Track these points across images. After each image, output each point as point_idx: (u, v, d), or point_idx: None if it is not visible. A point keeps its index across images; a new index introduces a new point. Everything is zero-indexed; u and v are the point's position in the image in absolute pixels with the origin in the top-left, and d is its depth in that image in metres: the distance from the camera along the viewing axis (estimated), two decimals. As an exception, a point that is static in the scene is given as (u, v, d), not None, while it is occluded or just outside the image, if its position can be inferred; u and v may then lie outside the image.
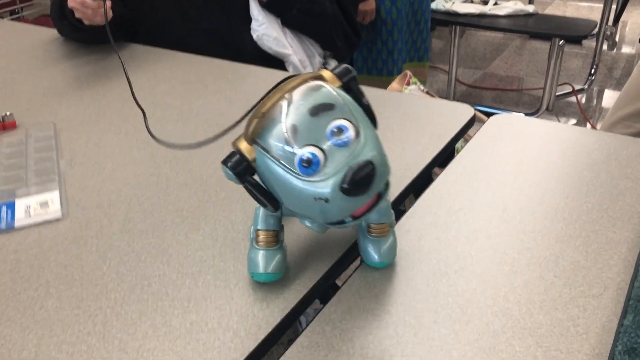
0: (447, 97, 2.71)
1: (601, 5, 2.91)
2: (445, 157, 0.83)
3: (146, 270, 0.60)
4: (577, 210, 0.66)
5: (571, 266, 0.58)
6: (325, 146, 0.46)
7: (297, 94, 0.48)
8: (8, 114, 0.90)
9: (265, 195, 0.50)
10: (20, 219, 0.69)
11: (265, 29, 1.13)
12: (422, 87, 1.50)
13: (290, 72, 1.18)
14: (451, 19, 2.53)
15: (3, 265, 0.62)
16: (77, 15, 1.03)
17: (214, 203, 0.70)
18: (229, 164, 0.49)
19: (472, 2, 2.60)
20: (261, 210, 0.54)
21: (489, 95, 2.93)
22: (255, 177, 0.50)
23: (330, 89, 0.48)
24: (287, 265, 0.58)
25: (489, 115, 0.96)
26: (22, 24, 1.44)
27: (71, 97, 1.00)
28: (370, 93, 0.97)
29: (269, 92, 0.48)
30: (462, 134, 0.86)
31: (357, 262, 0.61)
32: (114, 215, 0.68)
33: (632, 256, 0.58)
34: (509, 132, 0.83)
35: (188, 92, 0.99)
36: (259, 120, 0.47)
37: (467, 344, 0.50)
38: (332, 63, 1.26)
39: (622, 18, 3.67)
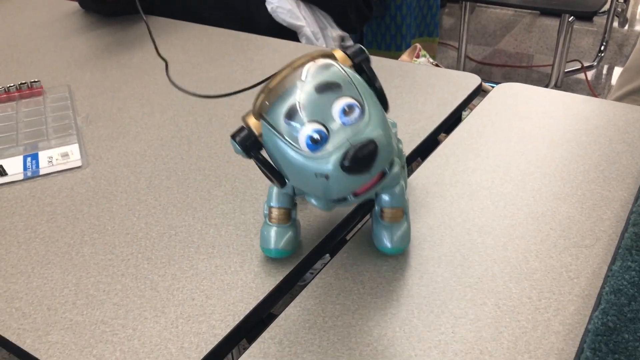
0: (456, 73, 2.73)
1: (612, -18, 2.91)
2: (451, 123, 0.87)
3: (173, 221, 0.65)
4: (574, 171, 0.70)
5: (566, 220, 0.62)
6: (330, 124, 0.46)
7: (305, 70, 0.48)
8: (36, 80, 0.94)
9: (271, 170, 0.51)
10: (44, 167, 0.75)
11: (280, 2, 1.16)
12: (431, 60, 1.53)
13: (303, 43, 1.22)
14: (461, -5, 2.54)
15: (40, 215, 0.67)
16: None
17: (233, 163, 0.74)
18: (237, 139, 0.50)
19: (482, -23, 2.61)
20: (274, 188, 0.56)
21: (499, 72, 2.94)
22: (263, 152, 0.51)
23: (339, 68, 0.48)
24: (300, 240, 0.60)
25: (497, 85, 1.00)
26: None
27: (94, 65, 1.04)
28: (381, 63, 1.01)
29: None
30: (469, 101, 0.90)
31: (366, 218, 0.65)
32: (141, 173, 0.73)
33: (624, 212, 0.63)
34: (513, 100, 0.86)
35: (205, 62, 1.03)
36: (265, 96, 0.48)
37: (467, 285, 0.54)
38: (348, 41, 1.29)
39: (634, -5, 3.65)
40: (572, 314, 0.51)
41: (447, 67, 2.95)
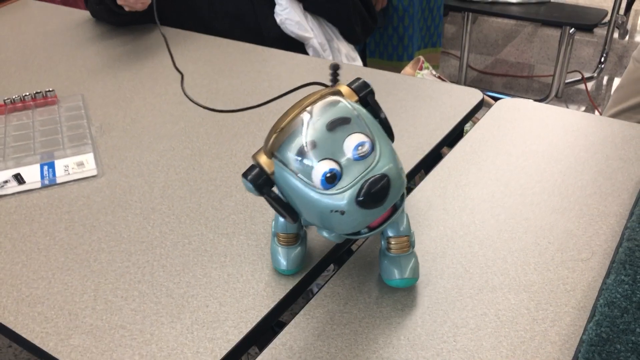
0: (458, 82, 2.76)
1: (613, -6, 2.94)
2: (454, 137, 0.89)
3: (186, 230, 0.67)
4: (572, 186, 0.72)
5: (564, 234, 0.65)
6: (342, 160, 0.47)
7: (315, 109, 0.49)
8: (50, 89, 0.97)
9: (284, 207, 0.51)
10: (60, 175, 0.78)
11: (288, 14, 1.19)
12: (434, 72, 1.56)
13: (311, 54, 1.25)
14: (464, 6, 2.57)
15: (59, 223, 0.70)
16: (120, 2, 1.10)
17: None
18: (249, 177, 0.51)
19: (485, -11, 2.64)
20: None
21: (500, 82, 2.97)
22: (275, 189, 0.52)
23: (347, 104, 0.50)
24: (307, 256, 0.61)
25: (498, 100, 1.02)
26: (53, 5, 1.51)
27: (106, 74, 1.07)
28: (385, 77, 1.04)
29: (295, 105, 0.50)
30: (471, 116, 0.93)
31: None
32: (154, 183, 0.76)
33: (620, 227, 0.65)
34: (514, 115, 0.89)
35: (214, 73, 1.06)
36: (277, 135, 0.49)
37: (468, 296, 0.57)
38: (353, 53, 1.32)
39: (634, 7, 3.69)
40: (567, 325, 0.54)
41: (449, 75, 2.98)
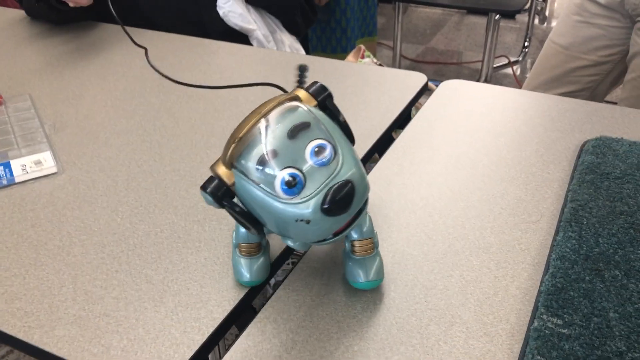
0: (392, 71, 2.83)
1: (532, -18, 3.10)
2: (403, 119, 0.94)
3: (157, 219, 0.69)
4: (517, 157, 0.78)
5: (514, 200, 0.70)
6: (304, 167, 0.46)
7: (273, 116, 0.48)
8: (-5, 90, 0.95)
9: (248, 218, 0.50)
10: (18, 175, 0.77)
11: (231, 6, 1.20)
12: (375, 60, 1.61)
13: (255, 45, 1.27)
14: (395, -4, 2.65)
15: (24, 221, 0.69)
16: None
17: (205, 163, 0.78)
18: (208, 189, 0.48)
19: (413, -21, 2.73)
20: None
21: (431, 69, 3.08)
22: (236, 200, 0.50)
23: (306, 109, 0.49)
24: (270, 266, 0.60)
25: (435, 87, 1.08)
26: (-17, 5, 1.45)
27: (51, 73, 1.05)
28: (332, 65, 1.08)
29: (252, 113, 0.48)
30: (417, 98, 0.98)
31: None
32: (117, 177, 0.76)
33: (563, 190, 0.71)
34: (458, 95, 0.95)
35: (163, 67, 1.06)
36: (236, 145, 0.47)
37: (434, 261, 0.61)
38: (296, 44, 1.34)
39: (551, -7, 3.89)
40: (525, 279, 0.59)
41: (384, 65, 3.05)
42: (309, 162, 0.46)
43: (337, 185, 0.45)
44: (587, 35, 1.26)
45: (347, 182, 0.46)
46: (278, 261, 0.64)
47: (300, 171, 0.46)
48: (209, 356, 0.55)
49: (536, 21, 3.60)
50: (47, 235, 0.67)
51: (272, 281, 0.64)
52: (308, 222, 0.46)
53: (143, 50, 1.12)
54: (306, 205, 0.45)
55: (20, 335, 0.54)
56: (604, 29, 1.24)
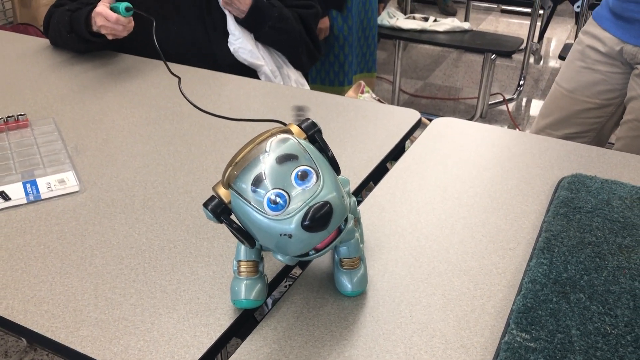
0: (392, 105, 2.93)
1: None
2: (397, 152, 1.02)
3: (170, 236, 0.76)
4: (499, 190, 0.86)
5: (494, 229, 0.77)
6: (289, 189, 0.53)
7: (266, 145, 0.56)
8: (22, 113, 1.03)
9: (241, 232, 0.57)
10: (44, 192, 0.84)
11: (241, 43, 1.29)
12: (374, 96, 1.70)
13: (262, 80, 1.36)
14: (395, 34, 2.76)
15: (50, 234, 0.76)
16: (104, 31, 1.17)
17: (215, 186, 0.86)
18: (210, 207, 0.56)
19: (414, 18, 2.84)
20: (241, 245, 0.62)
21: (429, 104, 3.18)
22: (233, 217, 0.57)
23: (295, 141, 0.56)
24: (267, 288, 0.65)
25: (429, 121, 1.16)
26: (7, 32, 1.54)
27: (73, 99, 1.14)
28: (333, 100, 1.16)
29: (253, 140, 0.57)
30: (411, 133, 1.06)
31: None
32: (134, 196, 0.84)
33: (539, 222, 0.79)
34: (448, 132, 1.03)
35: (176, 97, 1.14)
36: (233, 168, 0.55)
37: (420, 280, 0.68)
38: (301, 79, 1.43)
39: (547, 35, 4.02)
40: (500, 299, 0.66)
41: (383, 98, 3.15)
42: (294, 184, 0.53)
43: (317, 205, 0.52)
44: (590, 80, 1.35)
45: (325, 203, 0.53)
46: (274, 283, 0.70)
47: (286, 192, 0.53)
48: (217, 357, 0.62)
49: (531, 60, 3.72)
50: (71, 247, 0.74)
51: (270, 301, 0.71)
52: (290, 236, 0.53)
53: (159, 81, 1.20)
54: (289, 222, 0.52)
55: (49, 335, 0.61)
56: (605, 74, 1.33)
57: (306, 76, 1.98)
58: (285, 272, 0.71)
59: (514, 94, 3.22)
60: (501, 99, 3.14)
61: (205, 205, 0.57)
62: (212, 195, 0.57)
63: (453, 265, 0.71)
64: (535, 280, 0.67)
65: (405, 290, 0.67)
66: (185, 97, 0.72)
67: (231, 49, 1.31)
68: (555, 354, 0.58)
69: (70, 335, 0.61)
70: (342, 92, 1.95)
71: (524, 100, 3.25)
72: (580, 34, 1.39)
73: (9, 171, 0.89)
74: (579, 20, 3.07)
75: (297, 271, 0.73)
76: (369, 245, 0.74)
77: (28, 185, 0.86)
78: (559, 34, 4.29)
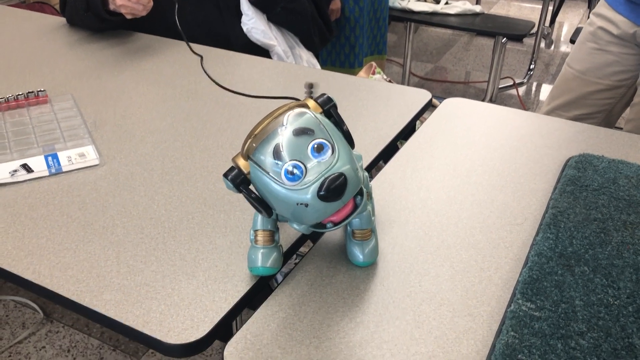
0: (401, 88, 2.94)
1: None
2: (408, 131, 1.04)
3: (188, 208, 0.78)
4: (508, 169, 0.88)
5: (502, 205, 0.80)
6: (306, 161, 0.55)
7: (284, 118, 0.58)
8: (42, 89, 1.06)
9: (259, 202, 0.59)
10: (65, 165, 0.87)
11: (254, 23, 1.31)
12: (385, 77, 1.72)
13: (275, 60, 1.37)
14: (406, 16, 2.76)
15: (72, 204, 0.79)
16: (124, 11, 1.19)
17: (230, 162, 0.88)
18: (229, 177, 0.59)
19: (425, 1, 2.84)
20: (259, 215, 0.64)
21: (439, 87, 3.18)
22: (251, 187, 0.60)
23: (312, 115, 0.58)
24: (282, 257, 0.67)
25: (439, 103, 1.18)
26: (25, 11, 1.57)
27: (90, 76, 1.16)
28: (345, 80, 1.18)
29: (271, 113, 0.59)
30: (421, 113, 1.08)
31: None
32: (153, 170, 0.86)
33: (546, 199, 0.81)
34: (458, 112, 1.05)
35: (191, 75, 1.16)
36: (252, 140, 0.58)
37: (429, 253, 0.71)
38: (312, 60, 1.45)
39: (558, 19, 4.00)
40: (507, 271, 0.68)
41: (393, 82, 3.16)
42: (310, 156, 0.56)
43: (332, 176, 0.55)
44: (602, 62, 1.36)
45: (340, 175, 0.55)
46: (287, 254, 0.73)
47: (303, 163, 0.55)
48: (234, 322, 0.64)
49: (542, 45, 3.70)
50: (93, 217, 0.77)
51: (280, 277, 0.74)
52: (307, 205, 0.55)
53: (175, 59, 1.22)
54: (306, 191, 0.55)
55: (74, 298, 0.64)
56: (617, 55, 1.33)
57: (317, 57, 1.99)
58: (294, 248, 0.74)
59: (524, 78, 3.22)
60: (511, 83, 3.14)
61: (225, 175, 0.59)
62: (232, 166, 0.60)
63: (461, 239, 0.73)
64: (541, 253, 0.69)
65: (415, 261, 0.70)
66: (208, 75, 0.74)
67: (244, 29, 1.33)
68: (559, 322, 0.60)
69: (95, 299, 0.64)
70: (352, 74, 1.96)
71: (534, 84, 3.25)
72: (591, 16, 1.40)
73: (30, 145, 0.92)
74: (592, 3, 3.05)
75: (304, 249, 0.76)
76: (380, 219, 0.77)
77: (50, 158, 0.89)
78: (571, 18, 4.26)
